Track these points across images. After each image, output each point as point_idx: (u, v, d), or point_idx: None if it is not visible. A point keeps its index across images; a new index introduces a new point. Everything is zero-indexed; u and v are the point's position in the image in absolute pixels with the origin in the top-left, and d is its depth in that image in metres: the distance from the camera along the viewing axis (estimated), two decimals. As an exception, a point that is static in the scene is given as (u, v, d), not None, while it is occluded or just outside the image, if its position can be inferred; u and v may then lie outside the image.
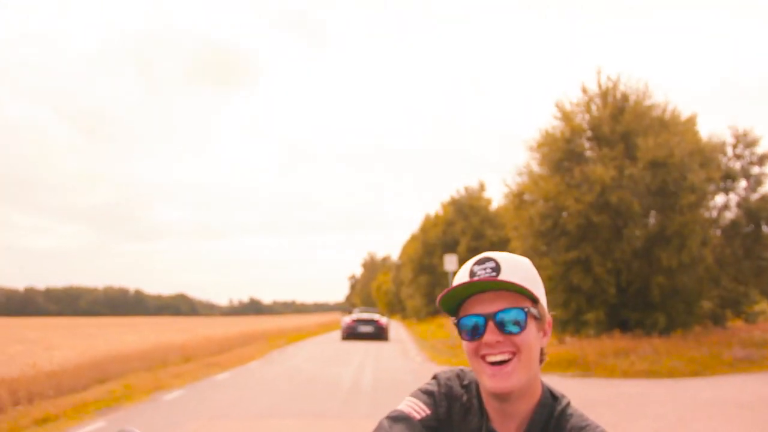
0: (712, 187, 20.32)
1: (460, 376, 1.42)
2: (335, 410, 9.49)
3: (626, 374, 13.74)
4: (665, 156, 18.50)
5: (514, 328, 1.26)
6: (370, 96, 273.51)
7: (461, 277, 1.32)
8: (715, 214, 21.67)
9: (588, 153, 20.40)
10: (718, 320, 22.19)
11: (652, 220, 19.63)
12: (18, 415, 9.40)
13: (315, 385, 12.58)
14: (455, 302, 1.32)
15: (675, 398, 10.23)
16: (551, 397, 1.36)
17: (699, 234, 18.93)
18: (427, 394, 1.39)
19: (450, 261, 25.63)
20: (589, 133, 20.38)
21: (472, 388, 1.39)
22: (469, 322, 1.29)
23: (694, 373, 13.58)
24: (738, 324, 23.92)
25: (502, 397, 1.29)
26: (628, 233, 19.25)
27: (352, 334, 28.76)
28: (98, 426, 8.69)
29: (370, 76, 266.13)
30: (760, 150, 21.20)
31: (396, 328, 50.69)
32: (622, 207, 18.71)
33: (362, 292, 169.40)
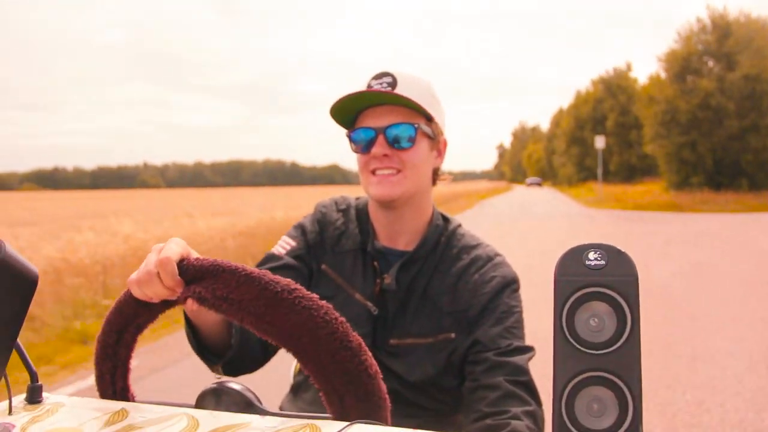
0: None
1: (338, 202, 1.43)
2: (540, 223, 20.60)
3: (703, 212, 23.76)
4: (757, 72, 26.95)
5: (404, 144, 1.25)
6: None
7: (358, 89, 1.27)
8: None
9: (698, 67, 29.08)
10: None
11: (744, 116, 28.27)
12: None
13: (524, 216, 23.79)
14: (350, 115, 1.29)
15: (721, 221, 20.30)
16: (442, 218, 1.39)
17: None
18: (296, 227, 1.40)
19: (600, 140, 34.59)
20: (701, 51, 28.94)
21: (350, 212, 1.40)
22: (361, 135, 1.27)
23: (746, 211, 23.32)
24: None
25: (387, 204, 1.29)
26: (727, 123, 28.11)
27: (530, 184, 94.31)
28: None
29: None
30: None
31: (551, 191, 60.59)
32: (720, 107, 27.60)
33: (512, 160, 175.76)
